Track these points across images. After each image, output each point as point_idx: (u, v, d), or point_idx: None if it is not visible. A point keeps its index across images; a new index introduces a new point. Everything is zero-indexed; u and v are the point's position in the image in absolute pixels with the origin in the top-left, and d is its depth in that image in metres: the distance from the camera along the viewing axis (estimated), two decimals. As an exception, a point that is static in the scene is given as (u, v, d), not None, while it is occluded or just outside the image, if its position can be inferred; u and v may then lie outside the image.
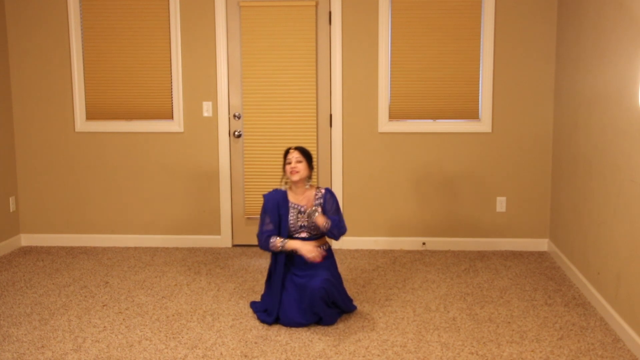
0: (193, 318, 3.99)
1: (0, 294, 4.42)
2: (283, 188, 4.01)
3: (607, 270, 3.95)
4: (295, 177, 3.91)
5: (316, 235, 3.95)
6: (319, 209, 3.89)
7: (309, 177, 3.98)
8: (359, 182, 5.40)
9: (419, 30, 5.23)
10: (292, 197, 3.96)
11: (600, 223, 4.07)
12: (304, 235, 3.92)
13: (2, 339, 3.68)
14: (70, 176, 5.55)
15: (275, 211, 3.91)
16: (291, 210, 3.92)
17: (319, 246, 3.93)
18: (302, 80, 5.29)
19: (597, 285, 4.11)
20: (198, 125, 5.40)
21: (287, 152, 3.97)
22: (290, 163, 3.91)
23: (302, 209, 3.92)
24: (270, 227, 3.90)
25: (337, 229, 3.91)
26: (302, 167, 3.91)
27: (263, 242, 3.90)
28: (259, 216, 5.34)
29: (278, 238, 3.87)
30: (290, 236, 3.92)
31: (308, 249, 3.82)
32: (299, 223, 3.91)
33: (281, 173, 4.04)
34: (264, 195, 4.00)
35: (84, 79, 5.44)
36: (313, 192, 3.98)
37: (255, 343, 3.62)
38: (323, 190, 4.00)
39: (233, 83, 5.38)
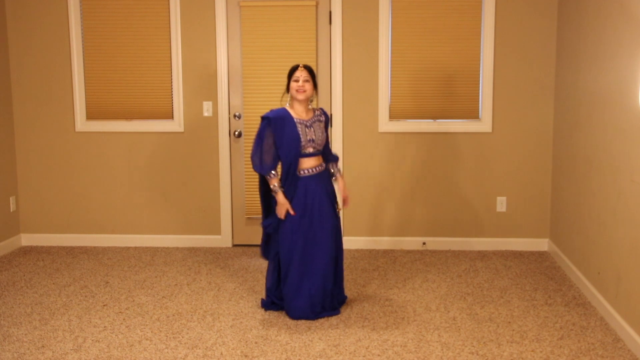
0: (193, 318, 3.99)
1: (1, 294, 4.42)
2: (283, 106, 3.96)
3: (607, 270, 3.95)
4: (301, 97, 3.87)
5: (319, 150, 3.99)
6: (338, 178, 4.10)
7: (312, 98, 3.97)
8: (359, 182, 5.40)
9: (419, 30, 5.23)
10: (294, 114, 3.90)
11: (600, 223, 4.07)
12: (310, 150, 3.92)
13: (3, 339, 3.68)
14: (70, 176, 5.55)
15: (280, 129, 3.84)
16: (299, 127, 3.87)
17: (320, 164, 3.99)
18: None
19: (598, 285, 4.11)
20: (198, 125, 5.40)
21: (294, 70, 3.91)
22: (297, 81, 3.86)
23: (308, 123, 3.90)
24: (269, 159, 3.86)
25: (335, 158, 4.16)
26: (309, 86, 3.88)
27: (262, 171, 3.89)
28: (260, 216, 5.36)
29: (276, 179, 3.89)
30: (299, 152, 3.90)
31: (281, 212, 3.88)
32: (308, 137, 3.88)
33: (282, 91, 4.03)
34: (266, 116, 3.88)
35: (84, 79, 5.44)
36: (311, 111, 3.99)
37: (256, 343, 3.63)
38: (319, 109, 4.05)
39: (233, 83, 5.38)
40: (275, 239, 4.01)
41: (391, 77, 5.30)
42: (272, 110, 3.92)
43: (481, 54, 5.22)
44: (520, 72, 5.22)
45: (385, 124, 5.33)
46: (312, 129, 3.91)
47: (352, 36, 5.26)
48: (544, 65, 5.20)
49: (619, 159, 3.78)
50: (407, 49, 5.26)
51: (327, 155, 4.09)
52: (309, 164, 3.94)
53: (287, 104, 3.94)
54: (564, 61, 4.96)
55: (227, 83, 5.37)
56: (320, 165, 4.01)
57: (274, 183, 3.89)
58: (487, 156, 5.33)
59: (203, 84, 5.37)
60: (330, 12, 5.25)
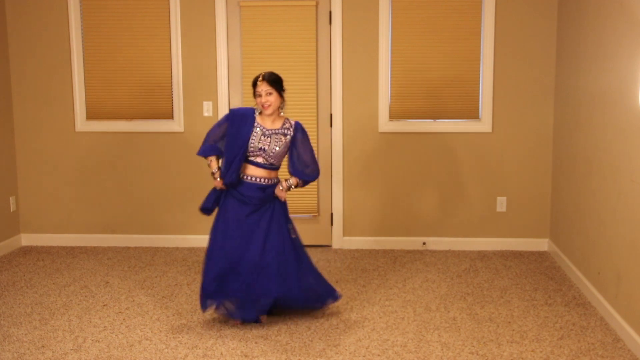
0: (193, 318, 3.99)
1: (1, 294, 4.42)
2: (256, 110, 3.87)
3: (607, 270, 3.95)
4: (269, 111, 3.78)
5: (271, 164, 3.82)
6: (283, 184, 3.86)
7: (282, 106, 3.85)
8: (359, 182, 5.39)
9: (419, 30, 5.23)
10: (259, 119, 3.83)
11: (600, 223, 4.07)
12: (259, 160, 3.80)
13: (3, 339, 3.68)
14: (70, 176, 5.55)
15: (237, 124, 3.79)
16: (255, 130, 3.78)
17: (267, 178, 3.81)
18: (303, 80, 5.29)
19: (598, 285, 4.11)
20: (198, 125, 5.40)
21: (255, 83, 3.81)
22: (260, 96, 3.78)
23: (267, 132, 3.79)
24: (216, 142, 3.85)
25: (309, 179, 3.92)
26: (272, 98, 3.77)
27: (204, 151, 3.86)
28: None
29: (215, 163, 3.85)
30: (247, 157, 3.80)
31: (217, 184, 3.85)
32: (259, 145, 3.77)
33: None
34: (231, 109, 3.95)
35: (84, 79, 5.44)
36: (282, 121, 3.86)
37: (256, 343, 3.63)
38: (292, 123, 3.88)
39: (233, 83, 5.38)
40: None
41: (391, 77, 5.30)
42: (240, 107, 3.94)
43: (481, 54, 5.22)
44: (520, 72, 5.22)
45: (385, 124, 5.32)
46: (269, 139, 3.78)
47: (352, 36, 5.26)
48: (544, 65, 5.20)
49: (619, 159, 3.78)
50: (407, 49, 5.26)
51: (298, 173, 3.88)
52: (254, 172, 3.81)
53: (258, 111, 3.84)
54: (564, 61, 4.96)
55: (227, 83, 5.37)
56: (268, 179, 3.82)
57: (212, 163, 3.86)
58: (487, 156, 5.33)
59: (203, 84, 5.37)
60: (330, 12, 5.25)
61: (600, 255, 4.08)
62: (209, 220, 5.49)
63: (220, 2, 5.27)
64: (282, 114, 3.87)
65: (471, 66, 5.24)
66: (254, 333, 3.75)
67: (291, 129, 3.85)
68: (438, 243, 5.43)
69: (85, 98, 5.46)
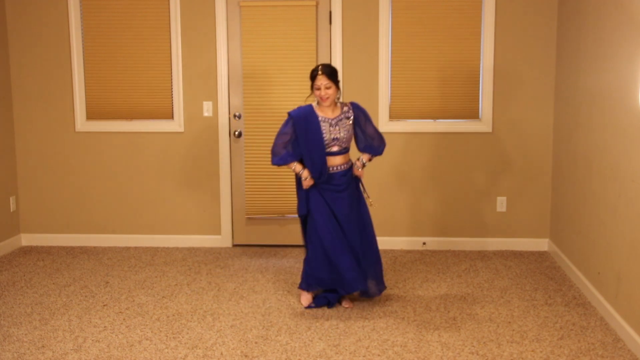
0: (193, 318, 3.99)
1: (1, 294, 4.42)
2: (311, 103, 4.05)
3: (607, 270, 3.95)
4: (327, 103, 3.97)
5: (345, 148, 4.03)
6: (357, 164, 4.09)
7: (338, 96, 4.03)
8: (359, 182, 5.39)
9: (419, 30, 5.23)
10: (320, 112, 4.00)
11: (600, 223, 4.07)
12: (335, 149, 3.99)
13: (3, 339, 3.68)
14: (70, 176, 5.55)
15: (303, 126, 3.94)
16: (322, 124, 3.96)
17: (346, 162, 4.04)
18: (303, 80, 5.27)
19: (598, 285, 4.11)
20: (198, 125, 5.40)
21: (314, 76, 3.95)
22: (319, 89, 3.93)
23: (333, 122, 3.97)
24: (286, 150, 3.98)
25: (378, 152, 4.12)
26: (331, 91, 3.94)
27: (279, 161, 4.00)
28: (260, 216, 5.38)
29: (298, 164, 4.01)
30: (323, 149, 3.98)
31: (306, 185, 4.02)
32: (332, 136, 3.95)
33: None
34: (290, 113, 4.00)
35: (84, 79, 5.44)
36: (339, 107, 4.04)
37: (256, 343, 3.63)
38: (349, 104, 4.06)
39: (233, 83, 5.38)
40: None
41: (391, 77, 5.30)
42: (298, 108, 4.03)
43: (481, 53, 5.21)
44: (520, 72, 5.22)
45: (386, 124, 5.32)
46: (337, 127, 3.97)
47: (352, 36, 5.26)
48: (544, 65, 5.20)
49: (619, 159, 3.78)
50: (407, 49, 5.26)
51: (368, 149, 4.10)
52: (334, 162, 4.01)
53: (315, 102, 4.03)
54: (564, 61, 4.96)
55: (227, 83, 5.37)
56: (346, 163, 4.07)
57: (296, 167, 4.00)
58: (487, 156, 5.33)
59: (203, 84, 5.37)
60: (330, 12, 5.25)
61: (600, 255, 4.09)
62: (209, 221, 5.52)
63: (220, 2, 5.27)
64: (338, 104, 4.05)
65: (471, 66, 5.24)
66: (254, 333, 3.76)
67: (351, 110, 4.04)
68: (438, 243, 5.43)
69: (85, 98, 5.46)
